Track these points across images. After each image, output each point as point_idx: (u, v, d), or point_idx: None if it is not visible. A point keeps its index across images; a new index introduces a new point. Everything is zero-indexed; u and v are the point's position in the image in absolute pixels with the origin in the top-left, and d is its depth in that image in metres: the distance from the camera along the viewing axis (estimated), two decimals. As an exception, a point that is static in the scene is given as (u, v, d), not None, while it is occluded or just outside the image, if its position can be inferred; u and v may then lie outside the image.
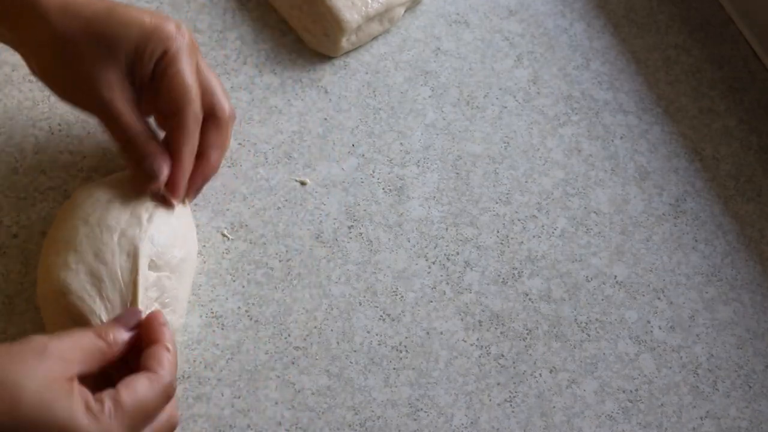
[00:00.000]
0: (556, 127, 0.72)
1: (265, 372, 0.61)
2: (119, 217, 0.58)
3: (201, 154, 0.60)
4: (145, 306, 0.56)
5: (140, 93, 0.59)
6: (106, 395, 0.49)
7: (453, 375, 0.62)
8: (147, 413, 0.50)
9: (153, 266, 0.57)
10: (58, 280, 0.56)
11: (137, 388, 0.50)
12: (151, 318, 0.54)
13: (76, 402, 0.48)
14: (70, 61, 0.57)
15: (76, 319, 0.55)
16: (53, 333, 0.52)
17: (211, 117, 0.61)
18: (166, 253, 0.58)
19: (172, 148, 0.59)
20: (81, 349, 0.50)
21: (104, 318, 0.55)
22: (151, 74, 0.59)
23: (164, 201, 0.59)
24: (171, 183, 0.59)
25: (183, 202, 0.61)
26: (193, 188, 0.61)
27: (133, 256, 0.56)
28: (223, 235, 0.65)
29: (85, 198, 0.59)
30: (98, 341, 0.51)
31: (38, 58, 0.58)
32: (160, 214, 0.59)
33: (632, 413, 0.62)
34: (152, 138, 0.58)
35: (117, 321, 0.53)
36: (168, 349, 0.53)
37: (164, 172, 0.58)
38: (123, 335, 0.52)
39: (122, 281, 0.56)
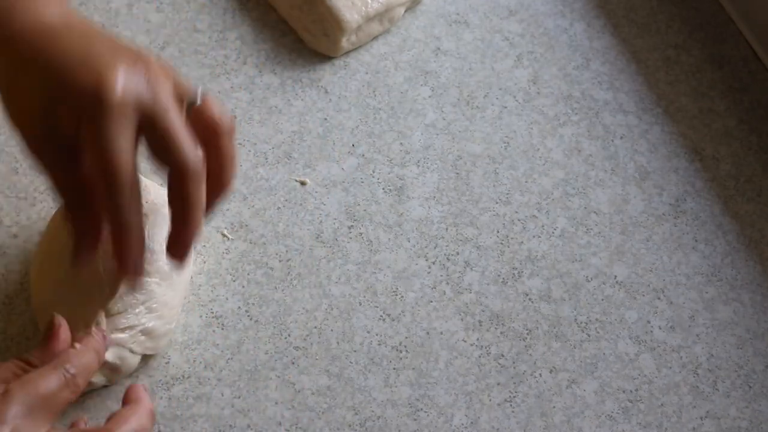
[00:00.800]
0: (556, 127, 0.72)
1: (265, 372, 0.61)
2: None
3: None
4: (129, 307, 0.56)
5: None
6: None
7: (453, 375, 0.62)
8: (41, 392, 0.48)
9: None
10: (45, 292, 0.56)
11: (30, 377, 0.49)
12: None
13: None
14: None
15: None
16: None
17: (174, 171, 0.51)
18: (156, 260, 0.57)
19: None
20: None
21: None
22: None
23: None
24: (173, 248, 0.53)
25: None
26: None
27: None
28: (223, 235, 0.65)
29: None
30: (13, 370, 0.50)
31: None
32: (151, 221, 0.58)
33: (632, 413, 0.62)
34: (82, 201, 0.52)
35: (37, 348, 0.52)
36: (74, 347, 0.51)
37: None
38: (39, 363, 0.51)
39: (104, 280, 0.56)
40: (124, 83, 0.49)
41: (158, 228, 0.58)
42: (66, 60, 0.51)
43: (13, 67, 0.53)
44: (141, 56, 0.52)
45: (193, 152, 0.51)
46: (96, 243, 0.53)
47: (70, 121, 0.50)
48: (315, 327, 0.63)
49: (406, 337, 0.63)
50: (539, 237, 0.68)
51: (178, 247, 0.52)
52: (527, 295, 0.66)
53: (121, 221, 0.50)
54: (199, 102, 0.53)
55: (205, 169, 0.52)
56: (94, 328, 0.54)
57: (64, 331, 0.52)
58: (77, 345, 0.52)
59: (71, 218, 0.52)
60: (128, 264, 0.51)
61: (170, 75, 0.52)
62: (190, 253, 0.54)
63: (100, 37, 0.53)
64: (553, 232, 0.68)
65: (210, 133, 0.53)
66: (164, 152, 0.51)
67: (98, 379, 0.58)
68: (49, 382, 0.49)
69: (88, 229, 0.52)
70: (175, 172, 0.51)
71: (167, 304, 0.59)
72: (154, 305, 0.58)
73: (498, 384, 0.62)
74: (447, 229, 0.67)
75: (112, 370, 0.58)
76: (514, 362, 0.63)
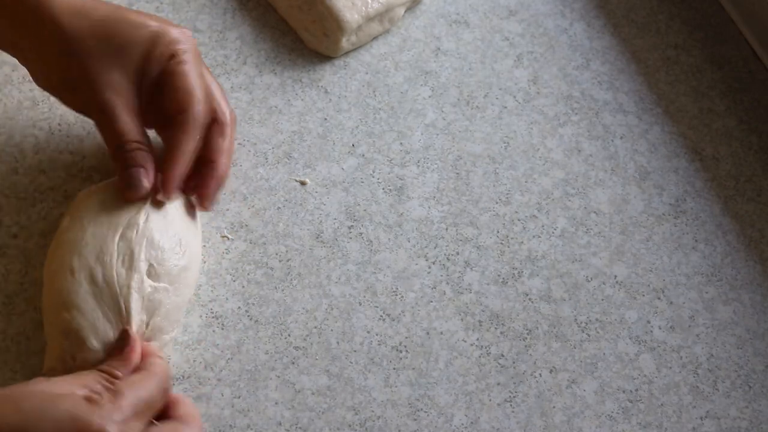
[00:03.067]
0: (556, 127, 0.72)
1: (265, 372, 0.61)
2: (123, 216, 0.58)
3: (209, 161, 0.60)
4: (138, 318, 0.56)
5: (144, 100, 0.59)
6: (103, 387, 0.51)
7: (453, 375, 0.62)
8: (145, 401, 0.52)
9: (153, 274, 0.57)
10: (61, 291, 0.56)
11: (134, 380, 0.53)
12: (146, 350, 0.56)
13: (77, 391, 0.50)
14: (77, 60, 0.57)
15: (69, 334, 0.55)
16: (49, 345, 0.55)
17: (215, 122, 0.61)
18: (166, 260, 0.57)
19: (171, 146, 0.59)
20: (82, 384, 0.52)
21: (96, 342, 0.55)
22: (157, 78, 0.59)
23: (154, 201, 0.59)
24: (165, 179, 0.59)
25: (205, 207, 0.61)
26: (208, 196, 0.61)
27: (129, 264, 0.56)
28: (223, 237, 0.65)
29: (91, 200, 0.59)
30: (100, 382, 0.52)
31: (43, 58, 0.58)
32: (160, 219, 0.58)
33: (632, 413, 0.62)
34: (143, 149, 0.58)
35: (117, 360, 0.54)
36: (160, 357, 0.56)
37: (144, 185, 0.58)
38: (122, 375, 0.54)
39: (118, 286, 0.56)
40: (193, 39, 0.61)
41: (164, 226, 0.58)
42: (119, 19, 0.58)
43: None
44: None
45: (228, 106, 0.62)
46: (150, 178, 0.59)
47: (158, 62, 0.59)
48: (315, 327, 0.63)
49: (406, 337, 0.63)
50: (539, 237, 0.68)
51: (209, 189, 0.60)
52: (527, 295, 0.66)
53: (185, 140, 0.59)
54: None
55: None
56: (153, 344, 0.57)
57: (137, 342, 0.56)
58: (161, 355, 0.56)
59: (122, 166, 0.58)
60: (172, 180, 0.58)
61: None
62: (217, 197, 0.61)
63: (132, 11, 0.60)
64: (553, 232, 0.68)
65: (216, 123, 0.62)
66: (208, 101, 0.60)
67: None
68: (151, 387, 0.53)
69: (144, 163, 0.58)
70: (216, 121, 0.60)
71: (174, 309, 0.58)
72: (163, 313, 0.57)
73: (498, 384, 0.62)
74: (447, 229, 0.67)
75: None
76: (514, 362, 0.63)
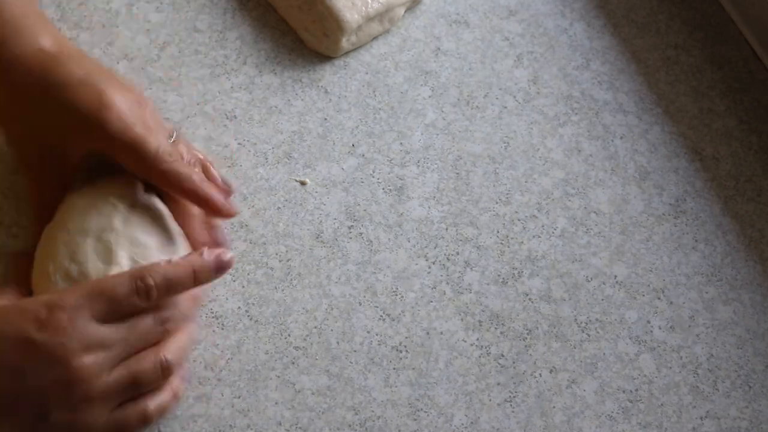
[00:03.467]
0: (556, 127, 0.72)
1: (265, 372, 0.61)
2: (95, 221, 0.57)
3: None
4: None
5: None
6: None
7: (453, 375, 0.62)
8: (108, 294, 0.52)
9: None
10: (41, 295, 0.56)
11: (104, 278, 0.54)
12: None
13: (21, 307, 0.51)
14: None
15: None
16: None
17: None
18: (152, 256, 0.57)
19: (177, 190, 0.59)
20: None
21: None
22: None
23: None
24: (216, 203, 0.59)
25: (223, 213, 0.61)
26: (218, 206, 0.60)
27: (107, 259, 0.56)
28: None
29: (66, 208, 0.59)
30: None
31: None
32: (138, 221, 0.58)
33: (632, 413, 0.62)
34: None
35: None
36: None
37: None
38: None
39: (95, 276, 0.55)
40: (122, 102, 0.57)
41: (150, 227, 0.58)
42: (67, 81, 0.57)
43: (14, 93, 0.56)
44: (130, 86, 0.60)
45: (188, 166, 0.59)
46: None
47: (76, 136, 0.57)
48: (315, 327, 0.63)
49: (406, 337, 0.63)
50: (539, 237, 0.68)
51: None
52: (527, 295, 0.66)
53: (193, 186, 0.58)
54: (173, 139, 0.60)
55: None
56: (206, 252, 0.56)
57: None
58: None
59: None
60: (221, 205, 0.59)
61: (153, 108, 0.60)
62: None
63: (94, 63, 0.60)
64: (553, 232, 0.68)
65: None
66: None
67: None
68: (119, 283, 0.52)
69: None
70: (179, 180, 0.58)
71: None
72: None
73: (498, 384, 0.62)
74: (447, 229, 0.67)
75: None
76: (514, 362, 0.63)
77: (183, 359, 0.57)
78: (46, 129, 0.58)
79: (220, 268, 0.56)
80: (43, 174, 0.59)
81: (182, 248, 0.59)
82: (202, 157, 0.62)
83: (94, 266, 0.55)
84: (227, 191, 0.61)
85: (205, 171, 0.62)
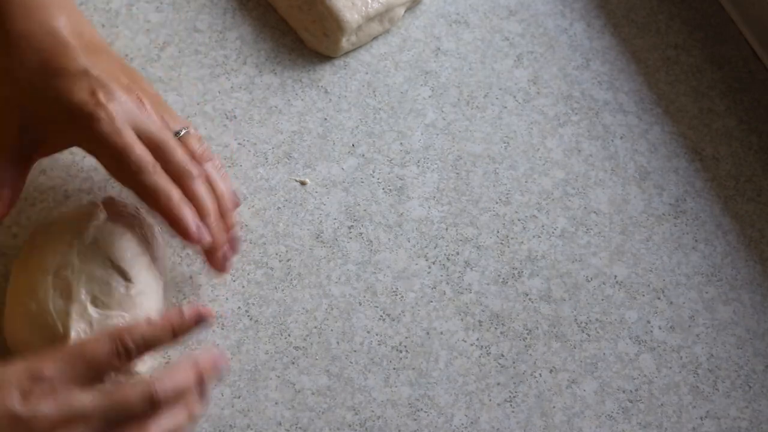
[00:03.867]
0: (556, 127, 0.72)
1: (265, 372, 0.61)
2: (53, 258, 0.57)
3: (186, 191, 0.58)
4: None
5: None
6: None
7: (453, 375, 0.62)
8: (89, 357, 0.50)
9: (100, 304, 0.56)
10: (2, 328, 0.57)
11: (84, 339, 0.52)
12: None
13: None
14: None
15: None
16: None
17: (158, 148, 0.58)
18: (112, 290, 0.56)
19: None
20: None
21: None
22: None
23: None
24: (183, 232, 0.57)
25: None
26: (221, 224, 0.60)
27: (66, 295, 0.56)
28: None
29: (28, 246, 0.59)
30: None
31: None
32: (96, 256, 0.57)
33: (632, 413, 0.62)
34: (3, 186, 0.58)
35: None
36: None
37: None
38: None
39: (55, 312, 0.55)
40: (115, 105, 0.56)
41: (104, 262, 0.58)
42: (68, 70, 0.56)
43: (14, 66, 0.55)
44: (137, 81, 0.59)
45: (188, 161, 0.58)
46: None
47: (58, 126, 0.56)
48: (315, 327, 0.63)
49: (406, 337, 0.63)
50: (539, 237, 0.68)
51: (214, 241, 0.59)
52: (527, 295, 0.66)
53: (153, 193, 0.56)
54: (184, 132, 0.60)
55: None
56: (185, 308, 0.53)
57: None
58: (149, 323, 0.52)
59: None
60: (190, 232, 0.57)
61: (161, 103, 0.59)
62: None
63: (107, 54, 0.59)
64: (553, 232, 0.68)
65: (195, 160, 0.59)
66: (165, 161, 0.57)
67: None
68: (98, 347, 0.50)
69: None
70: (178, 179, 0.57)
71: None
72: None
73: (498, 384, 0.62)
74: (447, 229, 0.67)
75: None
76: (514, 362, 0.63)
77: None
78: (34, 113, 0.57)
79: (201, 322, 0.53)
80: (14, 149, 0.58)
81: (142, 278, 0.58)
82: (211, 154, 0.61)
83: (53, 303, 0.55)
84: (228, 241, 0.60)
85: (222, 207, 0.60)
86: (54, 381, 0.49)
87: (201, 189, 0.58)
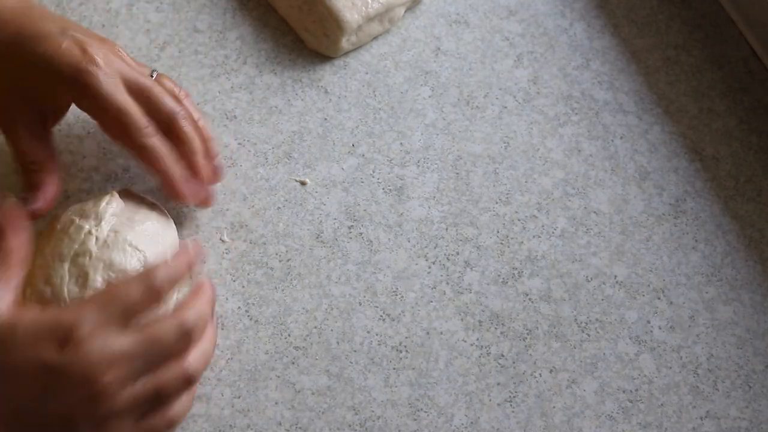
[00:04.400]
0: (556, 127, 0.72)
1: (265, 372, 0.61)
2: (71, 245, 0.57)
3: (184, 154, 0.61)
4: None
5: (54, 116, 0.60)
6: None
7: (453, 375, 0.62)
8: (122, 298, 0.51)
9: None
10: None
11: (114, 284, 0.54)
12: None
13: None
14: None
15: None
16: None
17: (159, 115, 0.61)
18: (146, 257, 0.57)
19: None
20: None
21: None
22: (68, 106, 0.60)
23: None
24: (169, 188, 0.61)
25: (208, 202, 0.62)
26: (200, 192, 0.62)
27: (82, 282, 0.56)
28: (222, 241, 0.65)
29: (45, 232, 0.59)
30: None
31: None
32: (114, 244, 0.57)
33: (632, 413, 0.63)
34: (42, 169, 0.59)
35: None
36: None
37: (33, 204, 0.58)
38: None
39: (69, 298, 0.55)
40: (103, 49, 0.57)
41: (124, 249, 0.58)
42: (46, 33, 0.56)
43: None
44: (101, 36, 0.60)
45: (173, 102, 0.61)
46: None
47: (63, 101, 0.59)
48: (315, 327, 0.63)
49: (406, 337, 0.63)
50: (539, 237, 0.68)
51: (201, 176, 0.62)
52: (527, 295, 0.66)
53: (151, 155, 0.59)
54: (155, 76, 0.62)
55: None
56: (189, 242, 0.56)
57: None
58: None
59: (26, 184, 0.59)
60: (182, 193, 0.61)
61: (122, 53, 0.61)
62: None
63: (64, 18, 0.59)
64: (553, 232, 0.68)
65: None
66: (155, 105, 0.59)
67: None
68: (130, 289, 0.51)
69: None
70: (168, 119, 0.60)
71: None
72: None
73: (498, 384, 0.62)
74: (447, 229, 0.67)
75: None
76: (514, 362, 0.63)
77: (206, 366, 0.55)
78: (23, 82, 0.57)
79: (200, 253, 0.57)
80: (18, 125, 0.58)
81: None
82: (183, 91, 0.64)
83: (68, 289, 0.55)
84: (214, 175, 0.63)
85: (206, 144, 0.63)
86: (91, 325, 0.49)
87: (188, 128, 0.61)
